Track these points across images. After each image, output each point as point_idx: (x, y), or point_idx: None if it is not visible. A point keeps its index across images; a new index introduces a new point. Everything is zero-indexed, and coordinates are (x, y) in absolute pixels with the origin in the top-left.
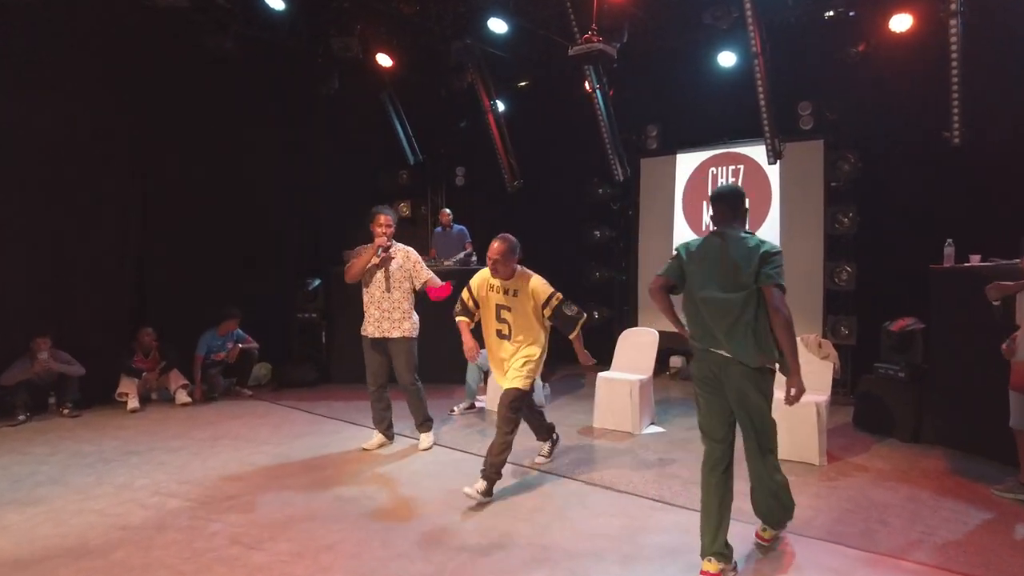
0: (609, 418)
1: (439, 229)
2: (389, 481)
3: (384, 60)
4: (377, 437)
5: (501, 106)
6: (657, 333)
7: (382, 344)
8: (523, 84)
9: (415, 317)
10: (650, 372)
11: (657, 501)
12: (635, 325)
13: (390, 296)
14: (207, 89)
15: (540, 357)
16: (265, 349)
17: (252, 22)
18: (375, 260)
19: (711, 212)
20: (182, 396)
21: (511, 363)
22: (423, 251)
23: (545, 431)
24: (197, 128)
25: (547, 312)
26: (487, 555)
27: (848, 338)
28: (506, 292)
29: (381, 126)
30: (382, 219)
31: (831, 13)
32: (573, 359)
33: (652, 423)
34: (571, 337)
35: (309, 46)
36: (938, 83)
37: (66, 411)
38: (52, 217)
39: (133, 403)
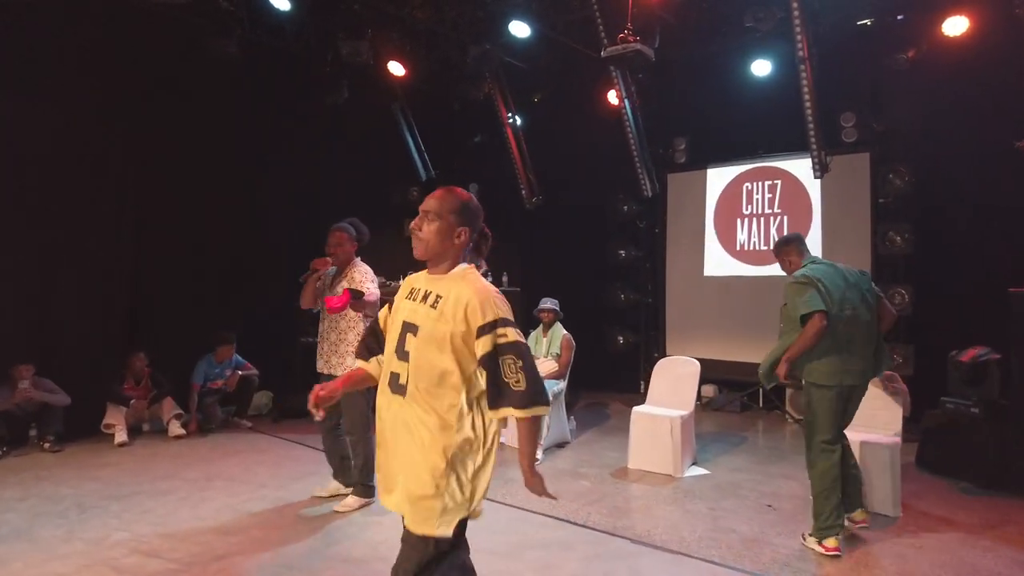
0: (646, 458)
1: None
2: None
3: (396, 69)
4: (332, 484)
5: (519, 119)
6: (698, 363)
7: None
8: (537, 98)
9: None
10: (692, 407)
11: (718, 565)
12: (663, 351)
13: (336, 327)
14: (208, 97)
15: (447, 488)
16: (266, 376)
17: (257, 25)
18: (321, 282)
19: (783, 260)
20: (175, 428)
21: (404, 467)
22: None
23: None
24: (196, 139)
25: (480, 350)
26: None
27: (904, 368)
28: (424, 298)
29: (392, 139)
30: (329, 237)
31: (869, 21)
32: (596, 384)
33: (694, 463)
34: (518, 418)
35: (317, 52)
36: (1002, 88)
37: (47, 445)
38: (37, 233)
39: (121, 436)
